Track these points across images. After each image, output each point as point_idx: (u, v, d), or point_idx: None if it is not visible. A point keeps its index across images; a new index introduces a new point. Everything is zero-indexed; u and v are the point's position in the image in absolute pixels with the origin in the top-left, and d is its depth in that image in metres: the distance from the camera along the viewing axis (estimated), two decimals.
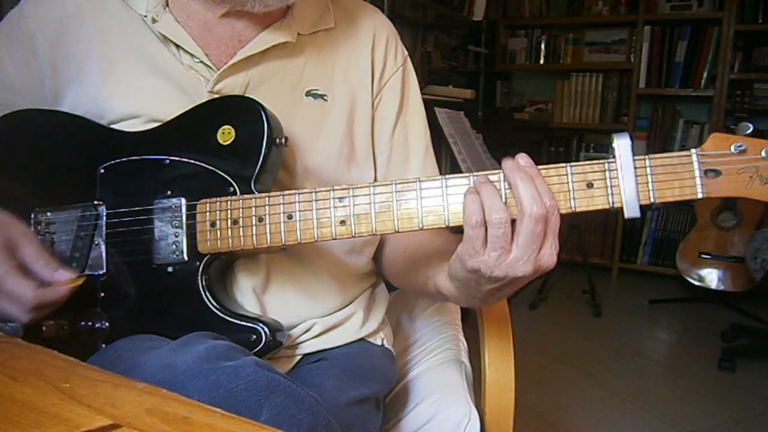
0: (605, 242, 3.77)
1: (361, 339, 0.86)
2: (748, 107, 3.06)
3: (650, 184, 0.61)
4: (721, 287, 2.97)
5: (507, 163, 0.62)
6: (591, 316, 3.02)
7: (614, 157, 0.61)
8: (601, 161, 0.62)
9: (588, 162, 0.62)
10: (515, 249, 0.59)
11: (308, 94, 0.81)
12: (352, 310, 0.85)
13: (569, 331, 2.86)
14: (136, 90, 0.77)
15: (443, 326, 1.04)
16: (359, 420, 0.74)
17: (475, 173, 0.64)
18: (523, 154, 0.62)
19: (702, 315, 3.08)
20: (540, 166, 0.62)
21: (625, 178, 0.61)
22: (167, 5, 0.77)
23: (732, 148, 0.60)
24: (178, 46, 0.76)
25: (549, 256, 0.60)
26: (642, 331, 2.94)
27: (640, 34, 3.55)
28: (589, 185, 0.62)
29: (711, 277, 2.99)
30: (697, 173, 0.60)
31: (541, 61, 3.96)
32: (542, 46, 3.93)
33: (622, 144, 0.61)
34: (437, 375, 0.93)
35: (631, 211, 0.61)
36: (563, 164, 0.62)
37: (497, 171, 0.63)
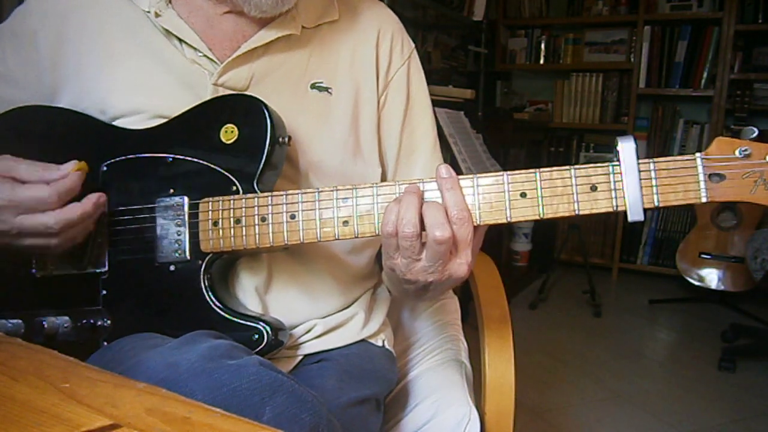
0: (605, 242, 3.76)
1: (362, 340, 0.86)
2: (748, 107, 3.05)
3: (654, 188, 0.61)
4: (721, 287, 2.97)
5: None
6: (591, 316, 3.02)
7: (618, 160, 0.61)
8: (605, 164, 0.62)
9: (592, 165, 0.62)
10: (424, 259, 0.63)
11: (313, 86, 0.81)
12: (353, 311, 0.85)
13: (569, 331, 2.86)
14: (139, 84, 0.76)
15: (443, 326, 1.04)
16: (360, 420, 0.74)
17: (461, 176, 0.64)
18: (445, 165, 0.64)
19: (702, 315, 3.08)
20: (543, 169, 0.62)
21: (629, 182, 0.61)
22: (170, 1, 0.77)
23: (737, 152, 0.60)
24: (181, 41, 0.76)
25: (458, 266, 0.63)
26: (642, 331, 2.94)
27: (640, 34, 3.55)
28: (593, 188, 0.62)
29: (711, 277, 2.99)
30: (701, 177, 0.60)
31: (541, 61, 3.95)
32: (542, 46, 3.93)
33: (626, 147, 0.61)
34: (437, 375, 0.93)
35: (635, 215, 0.61)
36: (567, 167, 0.62)
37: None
